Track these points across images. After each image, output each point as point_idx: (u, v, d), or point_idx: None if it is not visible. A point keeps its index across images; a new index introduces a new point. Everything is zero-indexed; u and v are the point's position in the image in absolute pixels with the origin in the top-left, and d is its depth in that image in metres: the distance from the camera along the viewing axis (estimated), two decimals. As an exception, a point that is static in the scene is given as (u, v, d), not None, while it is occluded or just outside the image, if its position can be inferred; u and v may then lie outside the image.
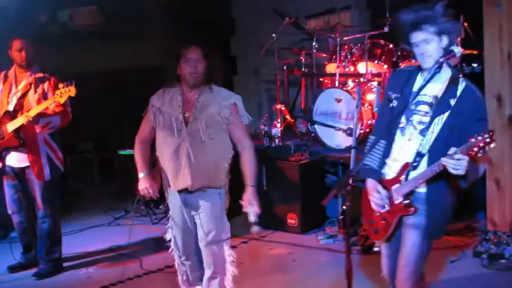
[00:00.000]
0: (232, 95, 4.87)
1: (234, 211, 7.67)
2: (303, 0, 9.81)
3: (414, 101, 3.98)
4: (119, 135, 9.58)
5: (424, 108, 3.97)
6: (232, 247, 6.43)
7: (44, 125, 5.95)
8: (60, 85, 5.83)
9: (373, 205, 4.11)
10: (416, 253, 4.00)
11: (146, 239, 7.17)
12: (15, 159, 6.14)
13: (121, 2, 10.03)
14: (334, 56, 8.17)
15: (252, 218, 4.75)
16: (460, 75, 4.03)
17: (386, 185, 4.05)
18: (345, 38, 8.21)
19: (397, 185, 3.99)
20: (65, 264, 6.45)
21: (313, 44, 8.43)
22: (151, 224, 7.68)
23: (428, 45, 3.89)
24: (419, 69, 4.05)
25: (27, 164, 6.10)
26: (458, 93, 3.89)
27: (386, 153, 4.08)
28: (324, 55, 8.56)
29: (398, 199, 3.97)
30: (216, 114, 4.75)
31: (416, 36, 3.91)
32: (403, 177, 3.96)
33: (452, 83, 3.92)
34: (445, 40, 3.91)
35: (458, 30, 4.00)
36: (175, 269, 6.06)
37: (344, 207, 6.56)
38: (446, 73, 3.97)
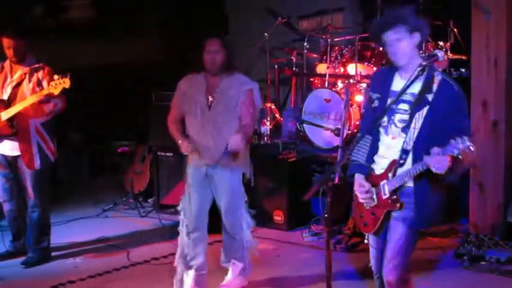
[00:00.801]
0: (249, 81, 5.45)
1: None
2: (296, 1, 9.90)
3: (394, 100, 4.11)
4: (110, 129, 9.68)
5: (404, 106, 4.07)
6: (218, 242, 6.60)
7: (54, 104, 6.02)
8: (55, 76, 5.92)
9: (360, 200, 4.24)
10: (402, 245, 4.11)
11: (134, 232, 7.25)
12: (8, 148, 6.22)
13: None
14: (324, 57, 8.28)
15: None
16: (436, 70, 4.11)
17: (374, 180, 4.16)
18: (336, 39, 8.32)
19: (384, 181, 4.10)
20: (53, 254, 6.51)
21: (305, 44, 8.54)
22: (140, 217, 7.75)
23: (401, 43, 4.01)
24: (396, 68, 4.16)
25: (19, 153, 6.18)
26: (435, 88, 4.00)
27: (373, 150, 4.21)
28: (315, 55, 8.67)
29: (386, 194, 4.09)
30: (235, 96, 5.28)
31: (389, 36, 4.03)
32: (390, 173, 4.07)
33: (427, 78, 4.02)
34: (416, 37, 4.03)
35: (427, 26, 4.13)
36: (161, 261, 6.23)
37: (324, 210, 6.68)
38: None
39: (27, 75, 6.12)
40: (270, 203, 7.23)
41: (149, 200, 8.11)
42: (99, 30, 10.18)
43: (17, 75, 6.15)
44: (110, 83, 9.86)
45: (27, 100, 5.99)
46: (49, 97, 5.95)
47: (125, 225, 7.43)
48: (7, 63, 6.24)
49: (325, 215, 3.97)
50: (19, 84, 6.13)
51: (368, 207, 4.22)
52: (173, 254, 5.80)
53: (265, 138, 8.07)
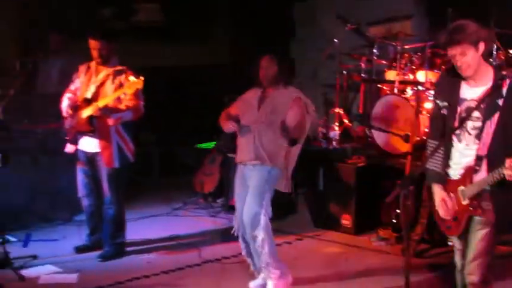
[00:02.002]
0: (297, 91, 5.82)
1: (289, 209, 7.99)
2: (364, 7, 9.95)
3: (465, 108, 4.19)
4: (179, 130, 9.88)
5: (476, 113, 4.15)
6: (287, 243, 6.75)
7: (116, 119, 6.23)
8: (130, 77, 6.14)
9: (440, 212, 4.34)
10: (484, 247, 4.22)
11: (204, 231, 7.43)
12: (88, 145, 6.46)
13: (183, 2, 10.32)
14: (394, 64, 8.31)
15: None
16: (504, 73, 4.19)
17: (452, 186, 4.27)
18: (406, 47, 8.36)
19: (462, 187, 4.20)
20: (127, 249, 6.73)
21: (374, 50, 8.61)
22: (209, 217, 7.93)
23: (466, 56, 4.10)
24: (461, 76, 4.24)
25: (99, 150, 6.40)
26: (504, 92, 4.08)
27: (447, 156, 4.30)
28: (384, 62, 8.71)
29: (465, 201, 4.19)
30: (283, 103, 5.67)
31: (452, 51, 4.13)
32: (467, 180, 4.16)
33: (496, 84, 4.11)
34: (481, 47, 4.11)
35: (491, 36, 4.23)
36: (231, 260, 6.39)
37: (398, 210, 6.76)
38: (489, 74, 4.18)
39: (110, 77, 6.34)
40: (338, 207, 7.33)
41: (218, 201, 8.28)
42: (170, 34, 10.41)
43: (101, 76, 6.39)
44: (180, 85, 10.08)
45: (105, 99, 6.22)
46: (111, 110, 6.17)
47: (195, 224, 7.62)
48: (93, 64, 6.48)
49: (404, 218, 4.08)
50: (102, 84, 6.36)
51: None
52: (242, 254, 5.96)
53: (334, 143, 8.17)
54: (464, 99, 4.22)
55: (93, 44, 6.35)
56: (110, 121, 6.23)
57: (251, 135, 5.66)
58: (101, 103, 6.21)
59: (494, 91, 4.10)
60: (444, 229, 4.46)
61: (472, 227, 4.26)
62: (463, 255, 4.39)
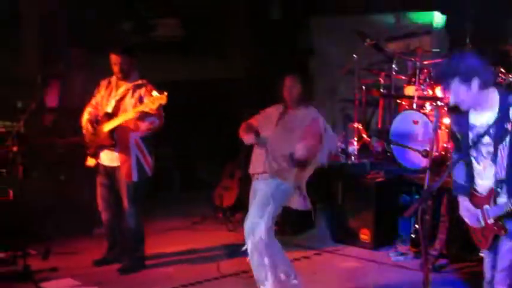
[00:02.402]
0: (317, 113, 5.95)
1: (308, 224, 8.00)
2: (383, 23, 9.99)
3: (475, 134, 4.24)
4: (198, 144, 9.94)
5: (486, 139, 4.20)
6: (306, 258, 6.76)
7: (150, 123, 6.25)
8: (154, 93, 6.19)
9: (467, 221, 4.41)
10: (510, 258, 4.27)
11: (223, 245, 7.44)
12: (107, 159, 6.51)
13: (202, 17, 10.41)
14: (413, 79, 8.33)
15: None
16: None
17: (477, 201, 4.34)
18: (425, 62, 8.37)
19: (486, 206, 4.26)
20: (146, 263, 6.76)
21: (393, 66, 8.63)
22: (228, 231, 7.95)
23: (460, 92, 4.14)
24: None
25: (118, 164, 6.45)
26: (511, 115, 4.12)
27: (470, 172, 4.35)
28: (403, 77, 8.72)
29: (490, 220, 4.25)
30: (298, 123, 5.80)
31: (448, 86, 4.20)
32: (491, 200, 4.21)
33: (503, 109, 4.14)
34: (475, 84, 4.11)
35: (489, 71, 4.23)
36: (250, 274, 6.38)
37: (416, 225, 6.75)
38: (493, 98, 4.20)
39: (130, 91, 6.40)
40: (356, 221, 7.33)
41: (236, 215, 8.30)
42: (188, 49, 10.49)
43: (121, 90, 6.46)
44: (198, 99, 10.13)
45: (127, 114, 6.28)
46: (145, 114, 6.19)
47: (214, 238, 7.63)
48: (113, 79, 6.55)
49: (422, 233, 4.10)
50: (122, 98, 6.42)
51: (478, 227, 4.38)
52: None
53: (353, 158, 8.19)
54: (474, 126, 4.27)
55: (115, 59, 6.42)
56: (145, 125, 6.26)
57: (265, 149, 5.77)
58: (121, 118, 6.26)
59: (502, 116, 4.13)
60: (476, 242, 4.53)
61: (501, 240, 4.32)
62: (493, 266, 4.44)
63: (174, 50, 10.43)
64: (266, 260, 5.61)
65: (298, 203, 5.86)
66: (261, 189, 5.77)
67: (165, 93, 6.08)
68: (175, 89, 9.24)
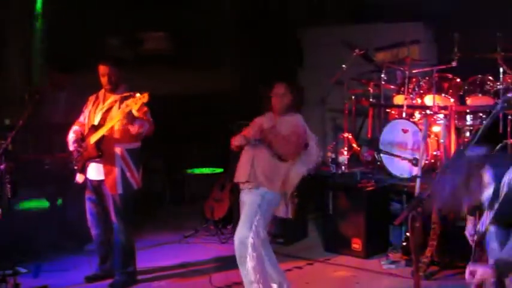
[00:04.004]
0: (302, 120, 5.96)
1: (300, 234, 8.01)
2: (372, 33, 10.03)
3: None
4: (188, 157, 9.94)
5: None
6: (298, 268, 6.75)
7: (140, 125, 6.15)
8: (137, 94, 6.12)
9: None
10: None
11: (215, 257, 7.42)
12: (93, 173, 6.46)
13: (190, 30, 10.43)
14: (402, 88, 8.36)
15: None
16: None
17: None
18: (413, 71, 8.41)
19: None
20: (138, 277, 6.71)
21: (382, 75, 8.66)
22: (220, 243, 7.93)
23: None
24: None
25: (103, 177, 6.42)
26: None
27: None
28: (392, 87, 8.76)
29: None
30: (283, 130, 5.77)
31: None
32: None
33: None
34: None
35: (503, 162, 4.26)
36: (243, 286, 6.37)
37: (407, 233, 6.76)
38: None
39: (117, 102, 6.36)
40: (348, 230, 7.32)
41: (228, 227, 8.29)
42: (177, 62, 10.50)
43: (108, 102, 6.44)
44: (188, 112, 10.15)
45: (112, 121, 6.24)
46: (134, 117, 6.12)
47: (206, 251, 7.61)
48: (101, 92, 6.54)
49: (412, 240, 4.10)
50: (109, 110, 6.39)
51: None
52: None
53: (343, 167, 8.20)
54: None
55: (103, 69, 6.41)
56: (135, 127, 6.17)
57: (250, 156, 5.76)
58: (105, 127, 6.24)
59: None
60: None
61: None
62: None
63: (163, 63, 10.44)
64: (255, 271, 5.58)
65: (283, 211, 5.86)
66: (246, 201, 5.77)
67: (147, 93, 6.03)
68: (165, 103, 9.33)
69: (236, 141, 5.84)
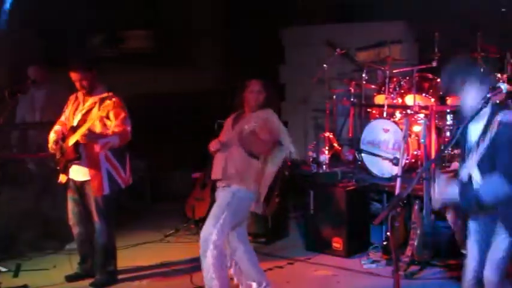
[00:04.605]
0: (271, 114, 5.90)
1: (281, 233, 8.02)
2: (353, 33, 10.07)
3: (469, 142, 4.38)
4: (170, 156, 9.90)
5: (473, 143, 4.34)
6: (279, 267, 6.76)
7: (102, 145, 6.15)
8: (107, 101, 6.15)
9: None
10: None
11: (196, 257, 7.35)
12: (76, 173, 6.44)
13: (172, 29, 10.41)
14: (383, 88, 8.40)
15: None
16: (499, 110, 4.34)
17: None
18: (394, 71, 8.44)
19: None
20: (119, 277, 6.70)
21: (363, 75, 8.69)
22: (201, 243, 7.91)
23: (472, 96, 4.31)
24: None
25: (88, 178, 6.39)
26: (493, 131, 4.25)
27: None
28: (373, 86, 8.79)
29: None
30: (253, 121, 5.77)
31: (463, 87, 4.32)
32: None
33: (489, 120, 4.28)
34: (486, 90, 4.27)
35: (493, 80, 4.37)
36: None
37: (388, 233, 6.79)
38: (487, 112, 4.32)
39: (97, 104, 6.32)
40: (329, 230, 7.33)
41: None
42: (159, 61, 10.48)
43: (87, 103, 6.40)
44: (170, 111, 10.12)
45: (85, 126, 6.20)
46: (96, 137, 6.14)
47: (187, 250, 7.58)
48: (80, 94, 6.52)
49: (392, 239, 4.13)
50: (88, 111, 6.34)
51: None
52: (233, 279, 5.98)
53: (324, 166, 8.22)
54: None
55: (73, 75, 6.36)
56: (97, 147, 6.16)
57: (224, 154, 5.79)
58: (83, 128, 6.21)
59: (485, 127, 4.31)
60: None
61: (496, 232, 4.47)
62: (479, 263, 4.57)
63: (145, 62, 10.41)
64: (214, 268, 5.61)
65: (255, 206, 5.89)
66: (218, 199, 5.83)
67: (113, 100, 6.08)
68: (147, 101, 9.31)
69: (213, 147, 5.86)
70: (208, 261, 5.62)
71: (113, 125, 6.24)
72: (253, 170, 5.75)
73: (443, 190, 4.41)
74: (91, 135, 6.14)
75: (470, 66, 4.43)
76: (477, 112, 4.19)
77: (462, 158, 4.48)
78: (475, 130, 4.36)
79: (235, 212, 5.71)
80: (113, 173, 6.42)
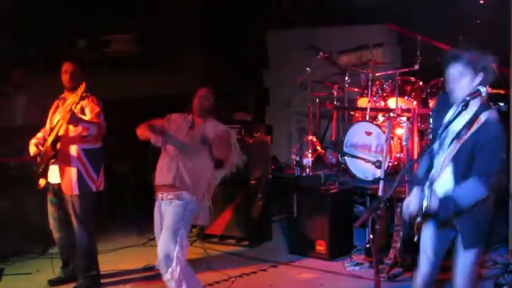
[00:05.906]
0: (222, 124, 6.04)
1: (264, 236, 8.03)
2: (336, 36, 10.11)
3: (444, 132, 4.31)
4: (153, 160, 9.86)
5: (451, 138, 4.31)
6: (262, 271, 6.77)
7: (84, 128, 6.14)
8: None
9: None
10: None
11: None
12: (53, 176, 6.42)
13: (157, 32, 10.38)
14: (365, 91, 8.44)
15: None
16: (488, 109, 4.31)
17: None
18: (377, 74, 8.49)
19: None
20: (102, 281, 6.67)
21: (346, 78, 8.72)
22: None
23: (462, 79, 4.23)
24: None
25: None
26: (476, 127, 4.21)
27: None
28: (356, 90, 8.83)
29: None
30: (209, 134, 5.85)
31: (454, 69, 4.26)
32: None
33: (475, 117, 4.24)
34: (479, 78, 4.23)
35: (493, 72, 4.33)
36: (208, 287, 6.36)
37: (371, 236, 6.81)
38: (473, 108, 4.28)
39: (75, 103, 6.27)
40: (312, 233, 7.34)
41: (193, 230, 8.26)
42: (143, 64, 10.45)
43: (68, 102, 6.34)
44: (154, 114, 10.08)
45: (59, 121, 6.21)
46: (77, 120, 6.10)
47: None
48: (62, 96, 6.53)
49: (373, 242, 4.14)
50: (68, 111, 6.32)
51: None
52: (218, 283, 5.99)
53: (307, 170, 8.24)
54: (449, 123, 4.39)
55: (66, 66, 6.39)
56: (79, 128, 6.15)
57: (175, 160, 5.76)
58: (58, 125, 6.21)
59: (468, 123, 4.28)
60: None
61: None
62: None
63: (129, 65, 10.37)
64: (181, 282, 5.59)
65: (201, 218, 5.96)
66: (168, 214, 5.71)
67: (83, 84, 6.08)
68: (131, 105, 9.27)
69: (154, 141, 5.90)
70: (175, 278, 5.57)
71: (88, 118, 6.23)
72: (206, 176, 5.81)
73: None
74: (74, 117, 6.07)
75: (486, 61, 4.31)
76: (457, 114, 4.18)
77: (432, 142, 4.40)
78: (457, 122, 4.26)
79: (187, 225, 5.76)
80: (83, 173, 6.36)
